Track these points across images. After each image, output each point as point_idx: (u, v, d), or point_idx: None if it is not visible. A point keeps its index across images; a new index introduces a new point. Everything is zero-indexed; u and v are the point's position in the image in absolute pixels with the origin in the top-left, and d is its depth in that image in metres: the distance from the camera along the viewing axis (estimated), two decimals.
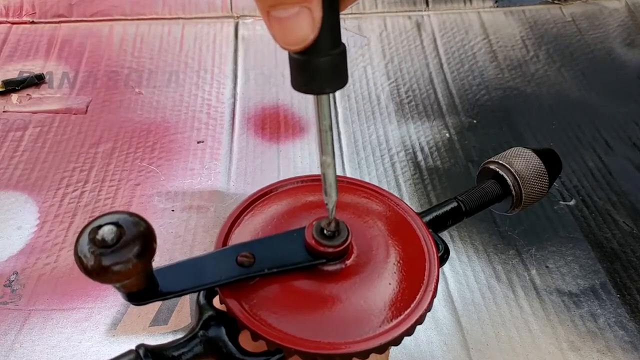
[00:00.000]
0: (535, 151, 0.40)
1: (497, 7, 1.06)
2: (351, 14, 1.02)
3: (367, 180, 0.74)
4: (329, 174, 0.27)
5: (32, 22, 0.98)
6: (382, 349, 0.27)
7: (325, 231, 0.28)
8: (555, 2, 1.07)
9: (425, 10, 1.04)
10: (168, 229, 0.66)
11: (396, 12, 1.03)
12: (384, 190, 0.35)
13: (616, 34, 1.01)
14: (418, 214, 0.34)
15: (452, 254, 0.64)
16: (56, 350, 0.53)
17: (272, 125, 0.82)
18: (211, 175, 0.74)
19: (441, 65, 0.94)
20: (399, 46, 0.97)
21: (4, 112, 0.82)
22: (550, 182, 0.40)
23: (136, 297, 0.26)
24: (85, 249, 0.22)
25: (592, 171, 0.76)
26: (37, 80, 0.87)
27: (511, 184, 0.39)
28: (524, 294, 0.60)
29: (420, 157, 0.77)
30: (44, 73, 0.88)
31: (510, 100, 0.88)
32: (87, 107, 0.84)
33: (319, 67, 0.21)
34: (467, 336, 0.56)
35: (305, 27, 0.20)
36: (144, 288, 0.25)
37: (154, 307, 0.57)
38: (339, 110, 0.85)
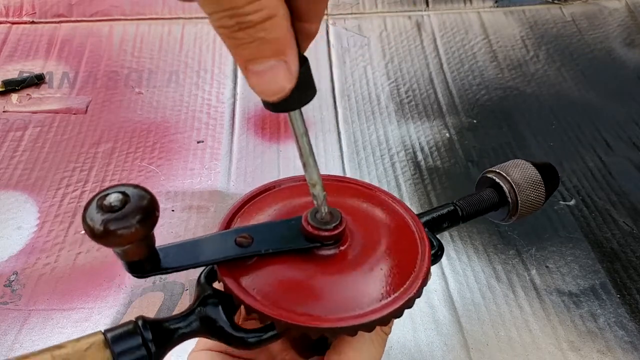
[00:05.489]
0: (533, 163, 0.43)
1: (497, 7, 1.06)
2: (351, 14, 1.02)
3: (367, 180, 0.74)
4: (311, 173, 0.28)
5: (32, 22, 0.98)
6: (370, 326, 0.27)
7: (321, 217, 0.30)
8: (555, 2, 1.07)
9: (425, 10, 1.04)
10: (168, 229, 0.66)
11: (396, 12, 1.03)
12: (377, 187, 0.37)
13: (616, 34, 1.01)
14: (416, 214, 0.35)
15: (452, 254, 0.64)
16: None
17: (272, 125, 0.82)
18: (211, 175, 0.74)
19: (441, 65, 0.94)
20: (399, 46, 0.97)
21: (4, 112, 0.82)
22: (547, 193, 0.42)
23: (137, 267, 0.27)
24: (93, 213, 0.23)
25: (592, 171, 0.76)
26: (37, 80, 0.87)
27: (507, 192, 0.41)
28: (524, 294, 0.60)
29: (420, 157, 0.77)
30: (44, 73, 0.88)
31: (510, 100, 0.88)
32: (87, 107, 0.84)
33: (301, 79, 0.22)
34: (467, 336, 0.56)
35: (281, 79, 0.21)
36: (146, 259, 0.27)
37: (154, 307, 0.57)
38: (339, 110, 0.85)
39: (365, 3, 1.04)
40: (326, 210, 0.29)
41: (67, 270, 0.61)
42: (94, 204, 0.24)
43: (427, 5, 1.04)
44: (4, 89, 0.84)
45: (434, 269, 0.62)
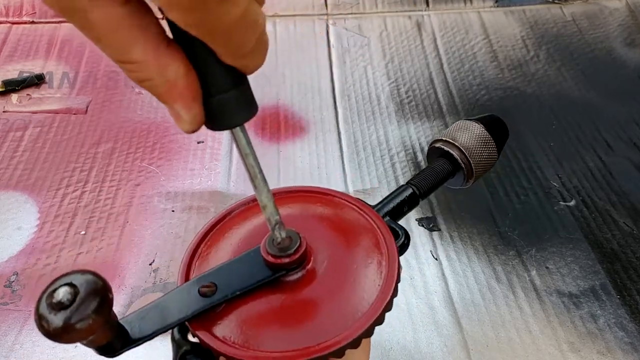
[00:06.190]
0: (477, 120, 0.41)
1: (498, 7, 1.05)
2: (351, 14, 1.02)
3: (367, 180, 0.74)
4: (260, 195, 0.27)
5: (32, 22, 0.98)
6: (356, 342, 0.27)
7: (277, 244, 0.29)
8: (556, 1, 1.07)
9: (425, 10, 1.04)
10: (168, 229, 0.66)
11: (396, 12, 1.03)
12: (329, 189, 0.35)
13: (617, 33, 1.01)
14: (372, 206, 0.35)
15: (452, 255, 0.64)
16: (56, 351, 0.53)
17: (272, 125, 0.82)
18: (211, 175, 0.74)
19: (441, 65, 0.94)
20: (399, 46, 0.97)
21: (4, 112, 0.82)
22: (499, 147, 0.41)
23: (108, 349, 0.26)
24: (45, 313, 0.22)
25: (592, 171, 0.76)
26: (37, 80, 0.87)
27: (459, 158, 0.40)
28: (524, 295, 0.60)
29: (420, 157, 0.77)
30: (44, 73, 0.88)
31: (510, 100, 0.88)
32: (87, 107, 0.84)
33: (224, 104, 0.22)
34: (467, 337, 0.56)
35: (179, 121, 0.22)
36: (114, 339, 0.26)
37: None
38: (339, 110, 0.85)
39: (365, 3, 1.04)
40: (282, 235, 0.28)
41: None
42: (43, 303, 0.23)
43: (427, 5, 1.04)
44: (4, 89, 0.84)
45: (434, 270, 0.63)
